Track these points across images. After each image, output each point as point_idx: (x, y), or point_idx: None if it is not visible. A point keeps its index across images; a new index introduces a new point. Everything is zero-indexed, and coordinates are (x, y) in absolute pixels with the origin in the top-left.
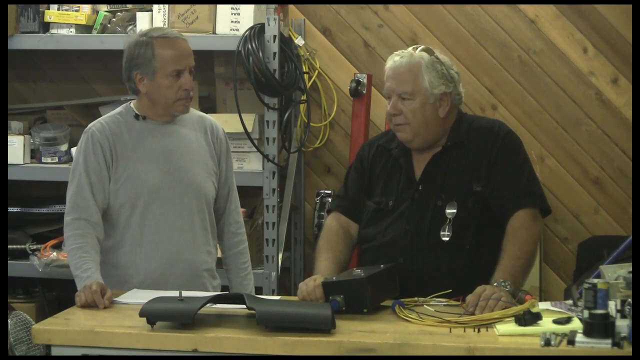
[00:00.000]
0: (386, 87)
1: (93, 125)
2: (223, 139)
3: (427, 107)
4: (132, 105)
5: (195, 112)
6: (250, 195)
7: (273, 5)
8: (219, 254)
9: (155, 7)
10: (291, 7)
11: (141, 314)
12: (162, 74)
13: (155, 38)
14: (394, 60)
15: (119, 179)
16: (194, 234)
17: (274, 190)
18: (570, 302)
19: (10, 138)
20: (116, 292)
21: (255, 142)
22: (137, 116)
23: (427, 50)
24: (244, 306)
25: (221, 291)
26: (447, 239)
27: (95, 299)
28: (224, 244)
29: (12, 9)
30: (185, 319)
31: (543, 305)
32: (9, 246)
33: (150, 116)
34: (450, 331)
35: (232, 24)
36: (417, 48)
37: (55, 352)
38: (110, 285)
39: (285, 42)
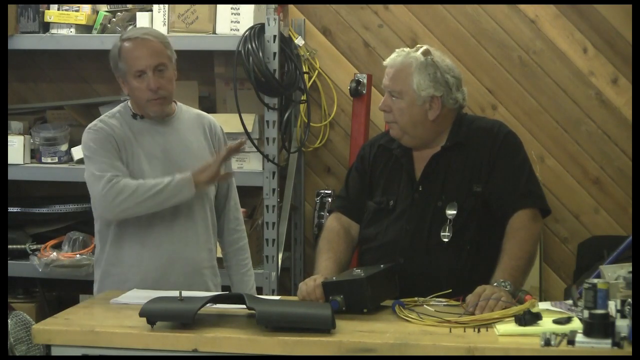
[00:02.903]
0: (382, 82)
1: (96, 122)
2: (221, 137)
3: (415, 108)
4: (129, 104)
5: (192, 110)
6: (250, 195)
7: (273, 5)
8: (219, 253)
9: (155, 7)
10: (291, 7)
11: (141, 314)
12: (129, 75)
13: (124, 40)
14: (391, 57)
15: None
16: (195, 232)
17: (274, 190)
18: (570, 302)
19: (10, 138)
20: (116, 292)
21: (255, 142)
22: (134, 115)
23: (425, 52)
24: (244, 306)
25: (222, 289)
26: (447, 239)
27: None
28: (224, 240)
29: (12, 9)
30: (185, 319)
31: (543, 305)
32: (9, 246)
33: (144, 115)
34: (450, 331)
35: (232, 24)
36: (419, 48)
37: (55, 352)
38: (111, 283)
39: (285, 42)
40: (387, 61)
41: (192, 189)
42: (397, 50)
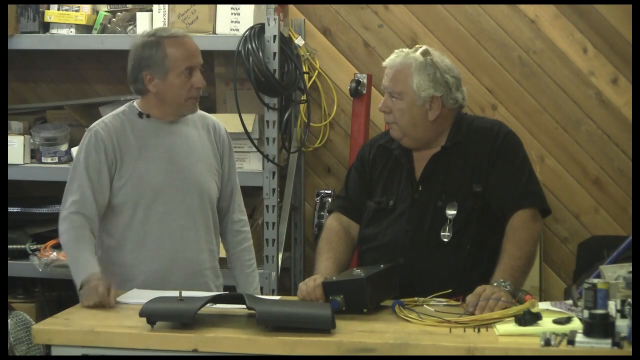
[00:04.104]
0: (382, 84)
1: (97, 124)
2: (225, 138)
3: (415, 108)
4: (135, 104)
5: (197, 112)
6: (250, 195)
7: (273, 5)
8: (222, 254)
9: (155, 7)
10: (291, 7)
11: (141, 314)
12: (174, 74)
13: (164, 38)
14: (390, 58)
15: (122, 177)
16: (196, 233)
17: (274, 190)
18: (570, 302)
19: (10, 138)
20: (118, 291)
21: (255, 142)
22: (140, 114)
23: (424, 52)
24: (244, 306)
25: (225, 290)
26: (447, 239)
27: (103, 301)
28: (228, 242)
29: (12, 9)
30: (185, 319)
31: (543, 305)
32: (9, 246)
33: (155, 115)
34: (450, 331)
35: (232, 24)
36: (418, 49)
37: (55, 352)
38: None
39: (285, 42)
40: (386, 62)
41: (77, 279)
42: (395, 51)
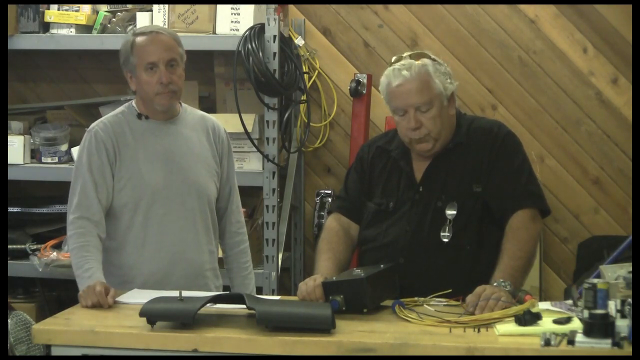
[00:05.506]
0: (396, 105)
1: (96, 124)
2: (225, 139)
3: (444, 110)
4: (134, 104)
5: (196, 112)
6: (250, 195)
7: (273, 5)
8: (221, 254)
9: (155, 7)
10: (291, 7)
11: (141, 314)
12: (140, 69)
13: (136, 35)
14: (403, 75)
15: (121, 179)
16: (196, 234)
17: (274, 190)
18: (570, 302)
19: (10, 138)
20: (118, 292)
21: (255, 142)
22: (139, 115)
23: (424, 55)
24: (244, 306)
25: (223, 291)
26: (447, 239)
27: (100, 300)
28: (225, 243)
29: (12, 9)
30: (185, 319)
31: (543, 305)
32: (9, 246)
33: (150, 115)
34: (450, 331)
35: (232, 24)
36: (414, 56)
37: (55, 352)
38: (113, 285)
39: (285, 42)
40: (399, 81)
41: (82, 286)
42: (396, 67)
